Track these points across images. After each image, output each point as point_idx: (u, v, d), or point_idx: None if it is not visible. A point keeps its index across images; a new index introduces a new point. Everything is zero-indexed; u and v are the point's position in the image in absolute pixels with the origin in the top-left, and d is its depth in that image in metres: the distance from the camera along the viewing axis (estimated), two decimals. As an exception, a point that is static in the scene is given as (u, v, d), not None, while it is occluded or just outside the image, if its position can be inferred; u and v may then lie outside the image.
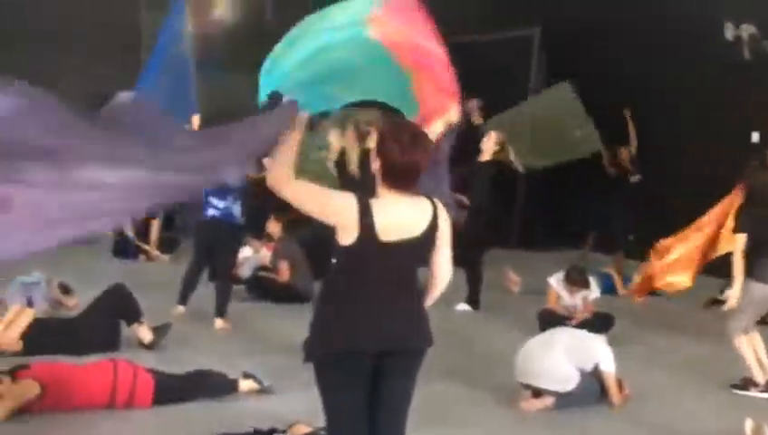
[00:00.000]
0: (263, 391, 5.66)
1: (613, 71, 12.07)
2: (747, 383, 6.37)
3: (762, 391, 6.31)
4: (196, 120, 8.00)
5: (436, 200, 3.40)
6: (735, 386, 6.41)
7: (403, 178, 3.28)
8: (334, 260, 3.44)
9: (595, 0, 12.30)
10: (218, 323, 7.47)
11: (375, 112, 5.54)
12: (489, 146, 8.73)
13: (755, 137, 10.87)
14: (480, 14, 12.82)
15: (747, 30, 10.27)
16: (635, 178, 10.72)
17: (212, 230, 7.48)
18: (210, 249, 7.65)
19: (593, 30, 12.17)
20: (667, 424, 5.68)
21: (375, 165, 3.31)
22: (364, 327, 3.32)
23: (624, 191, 10.77)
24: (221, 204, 7.35)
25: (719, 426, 5.64)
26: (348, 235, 3.24)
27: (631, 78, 11.86)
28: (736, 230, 6.43)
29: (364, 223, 3.22)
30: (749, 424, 5.23)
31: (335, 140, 6.62)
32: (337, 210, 3.25)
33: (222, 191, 7.33)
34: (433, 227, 3.35)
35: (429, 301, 3.53)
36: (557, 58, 12.28)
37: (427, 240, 3.36)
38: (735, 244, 6.32)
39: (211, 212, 7.38)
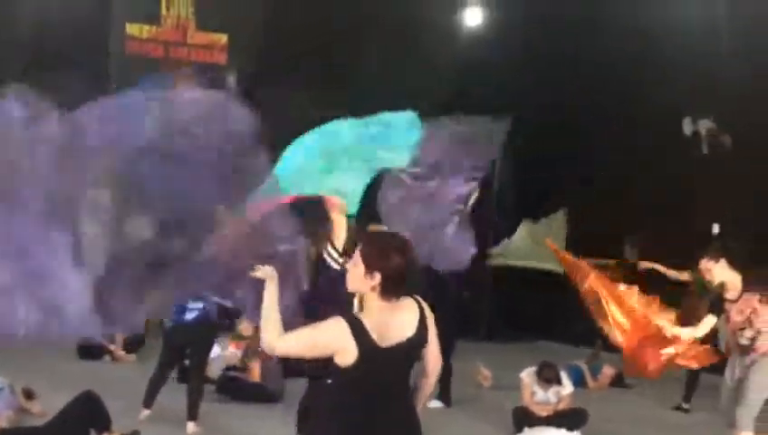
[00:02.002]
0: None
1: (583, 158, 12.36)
2: None
3: None
4: None
5: (418, 298, 3.40)
6: None
7: (402, 287, 3.30)
8: (330, 381, 3.41)
9: (563, 91, 12.62)
10: (190, 426, 7.30)
11: None
12: None
13: (715, 228, 11.11)
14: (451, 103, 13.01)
15: (705, 125, 10.59)
16: None
17: (188, 333, 7.34)
18: (182, 351, 7.53)
19: (563, 119, 12.47)
20: None
21: (372, 281, 3.26)
22: None
23: None
24: (199, 304, 7.29)
25: None
26: (347, 356, 3.21)
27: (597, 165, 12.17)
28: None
29: (361, 341, 3.20)
30: None
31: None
32: (329, 342, 3.25)
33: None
34: (422, 325, 3.35)
35: (422, 399, 3.50)
36: (526, 146, 12.46)
37: (420, 339, 3.35)
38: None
39: (189, 315, 7.29)
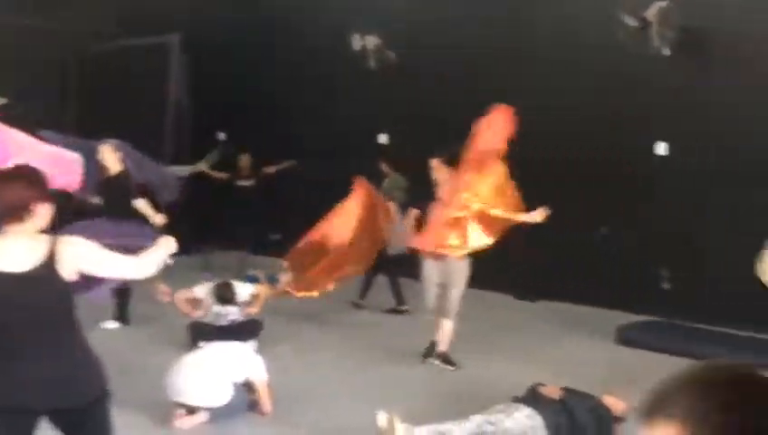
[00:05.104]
0: None
1: (252, 77, 12.47)
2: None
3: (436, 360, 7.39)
4: None
5: (63, 239, 3.27)
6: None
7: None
8: None
9: (241, 18, 12.59)
10: None
11: None
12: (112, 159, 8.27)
13: (383, 138, 11.76)
14: (119, 21, 12.42)
15: (372, 41, 11.05)
16: (247, 183, 11.51)
17: None
18: None
19: (235, 38, 12.42)
20: (314, 421, 5.99)
21: None
22: (6, 384, 3.21)
23: (242, 194, 11.52)
24: None
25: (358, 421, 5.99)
26: None
27: (268, 84, 12.32)
28: None
29: None
30: (381, 418, 5.31)
31: None
32: None
33: None
34: (50, 262, 3.20)
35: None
36: (198, 65, 12.25)
37: (45, 276, 3.19)
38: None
39: None
